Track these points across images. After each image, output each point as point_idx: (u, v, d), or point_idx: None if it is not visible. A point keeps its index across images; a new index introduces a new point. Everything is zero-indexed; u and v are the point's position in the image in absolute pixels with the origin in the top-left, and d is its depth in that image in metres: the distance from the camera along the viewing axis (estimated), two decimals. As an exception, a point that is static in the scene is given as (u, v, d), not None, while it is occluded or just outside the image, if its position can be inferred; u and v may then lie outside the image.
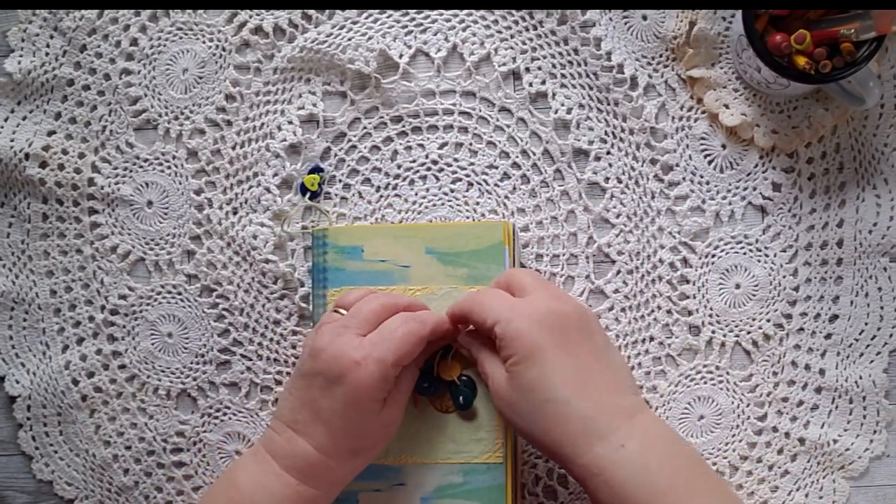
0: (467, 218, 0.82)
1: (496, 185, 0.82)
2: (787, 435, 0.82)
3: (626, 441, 0.64)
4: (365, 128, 0.82)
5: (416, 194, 0.82)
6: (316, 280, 0.77)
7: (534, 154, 0.81)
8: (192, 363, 0.84)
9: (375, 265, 0.76)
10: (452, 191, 0.82)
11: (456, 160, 0.82)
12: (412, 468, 0.75)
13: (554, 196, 0.81)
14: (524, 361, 0.66)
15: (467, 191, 0.82)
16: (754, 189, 0.81)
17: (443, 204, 0.82)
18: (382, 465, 0.75)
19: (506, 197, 0.81)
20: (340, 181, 0.82)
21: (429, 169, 0.82)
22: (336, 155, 0.82)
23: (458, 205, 0.82)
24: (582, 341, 0.67)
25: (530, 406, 0.66)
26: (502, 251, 0.75)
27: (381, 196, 0.82)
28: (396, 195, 0.82)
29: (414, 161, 0.82)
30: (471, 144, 0.82)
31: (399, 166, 0.82)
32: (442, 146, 0.82)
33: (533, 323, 0.66)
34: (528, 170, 0.82)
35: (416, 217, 0.82)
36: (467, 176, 0.82)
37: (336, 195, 0.82)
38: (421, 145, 0.82)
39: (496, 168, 0.82)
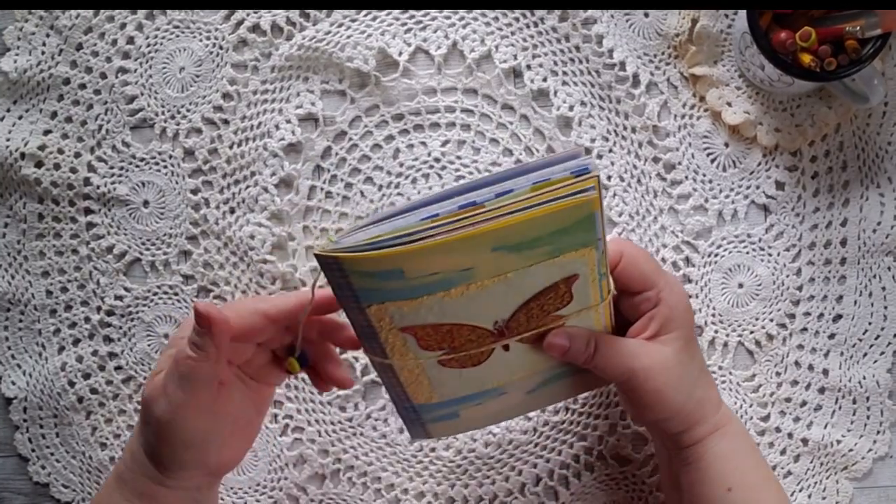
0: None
1: (500, 182, 0.81)
2: (790, 435, 0.81)
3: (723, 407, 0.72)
4: (366, 126, 0.82)
5: (419, 192, 0.81)
6: (340, 297, 0.60)
7: (538, 151, 0.81)
8: (189, 364, 0.83)
9: (424, 279, 0.58)
10: (456, 189, 0.81)
11: (459, 157, 0.81)
12: (513, 382, 0.68)
13: (558, 194, 0.81)
14: (690, 333, 0.69)
15: (471, 188, 0.81)
16: (757, 188, 0.81)
17: (446, 202, 0.81)
18: (480, 391, 0.68)
19: (510, 195, 0.81)
20: (342, 180, 0.82)
21: (431, 167, 0.81)
22: (337, 154, 0.82)
23: (461, 202, 0.81)
24: None
25: (693, 377, 0.69)
26: (594, 218, 0.59)
27: (384, 195, 0.81)
28: (399, 194, 0.81)
29: (416, 159, 0.81)
30: (473, 142, 0.81)
31: (401, 164, 0.81)
32: (444, 144, 0.81)
33: (685, 297, 0.70)
34: (533, 167, 0.81)
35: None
36: (470, 173, 0.81)
37: (338, 194, 0.82)
38: (423, 143, 0.81)
39: (499, 165, 0.81)
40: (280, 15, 0.82)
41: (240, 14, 0.82)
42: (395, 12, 0.82)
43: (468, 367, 0.65)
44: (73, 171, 0.83)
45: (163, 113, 0.83)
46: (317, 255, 0.57)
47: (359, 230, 0.57)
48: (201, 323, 0.61)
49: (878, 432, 0.81)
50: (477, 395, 0.68)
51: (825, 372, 0.81)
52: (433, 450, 0.82)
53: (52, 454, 0.84)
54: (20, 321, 0.84)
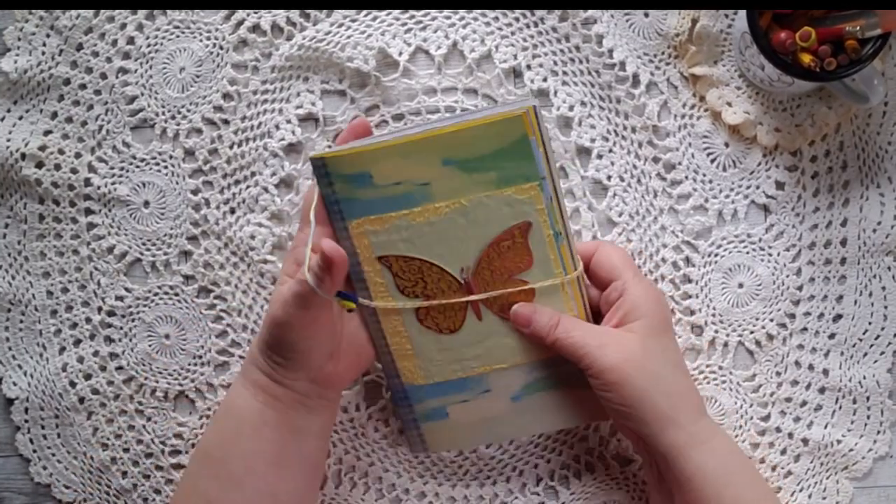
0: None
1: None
2: (790, 435, 0.81)
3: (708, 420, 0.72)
4: (366, 126, 0.82)
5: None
6: (331, 213, 0.71)
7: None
8: (189, 364, 0.83)
9: (390, 189, 0.69)
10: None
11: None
12: (494, 375, 0.74)
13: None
14: (659, 324, 0.71)
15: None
16: (757, 188, 0.81)
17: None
18: (463, 378, 0.74)
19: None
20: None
21: (431, 167, 0.82)
22: (337, 154, 0.82)
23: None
24: None
25: (662, 368, 0.70)
26: (529, 144, 0.68)
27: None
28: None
29: (416, 159, 0.82)
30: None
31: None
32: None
33: (658, 294, 0.73)
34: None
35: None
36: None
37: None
38: (423, 143, 0.82)
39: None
40: (280, 15, 0.82)
41: (240, 14, 0.82)
42: (395, 12, 0.82)
43: (445, 332, 0.73)
44: (74, 171, 0.83)
45: (163, 113, 0.83)
46: (311, 158, 0.70)
47: (346, 147, 0.70)
48: (324, 262, 0.64)
49: (879, 432, 0.81)
50: (461, 381, 0.74)
51: (825, 372, 0.81)
52: (434, 450, 0.82)
53: (53, 455, 0.84)
54: (21, 322, 0.84)
